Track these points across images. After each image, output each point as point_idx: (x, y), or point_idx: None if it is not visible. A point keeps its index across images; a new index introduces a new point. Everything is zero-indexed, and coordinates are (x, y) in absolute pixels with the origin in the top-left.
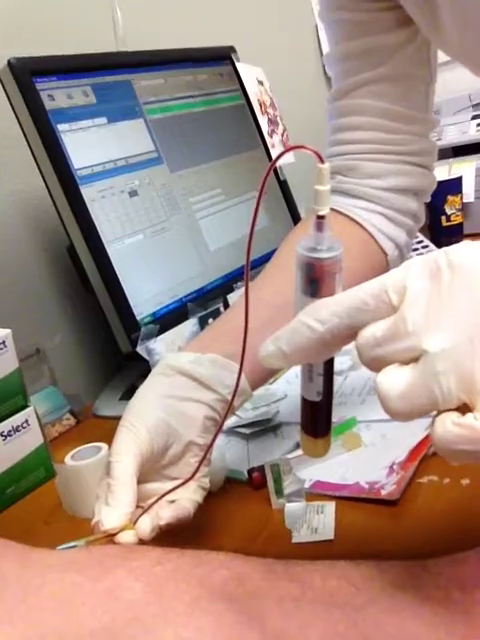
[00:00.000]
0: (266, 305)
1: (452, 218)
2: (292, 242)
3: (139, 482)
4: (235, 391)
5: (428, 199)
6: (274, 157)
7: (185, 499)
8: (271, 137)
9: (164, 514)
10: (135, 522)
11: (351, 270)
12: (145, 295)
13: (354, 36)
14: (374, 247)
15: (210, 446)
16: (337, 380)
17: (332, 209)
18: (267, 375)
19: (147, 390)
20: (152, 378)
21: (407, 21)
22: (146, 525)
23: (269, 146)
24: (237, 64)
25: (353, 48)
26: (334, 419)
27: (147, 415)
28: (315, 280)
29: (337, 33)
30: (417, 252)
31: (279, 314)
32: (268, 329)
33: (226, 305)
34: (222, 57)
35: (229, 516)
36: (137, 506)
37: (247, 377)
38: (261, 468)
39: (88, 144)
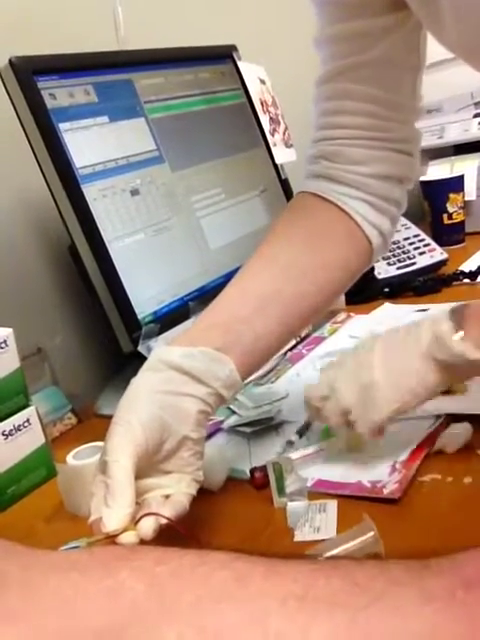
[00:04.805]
0: (253, 295)
1: (454, 216)
2: (278, 231)
3: (135, 478)
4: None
5: (411, 186)
6: (275, 156)
7: (180, 493)
8: (272, 136)
9: (162, 512)
10: (136, 523)
11: (339, 258)
12: (146, 294)
13: (344, 18)
14: (359, 235)
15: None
16: None
17: (319, 196)
18: (257, 365)
19: (140, 385)
20: (144, 373)
21: (399, 5)
22: (148, 526)
23: (270, 145)
24: (239, 63)
25: (342, 31)
26: None
27: (141, 411)
28: None
29: (327, 15)
30: (419, 251)
31: (266, 304)
32: (256, 319)
33: None
34: (224, 56)
35: (231, 515)
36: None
37: (237, 369)
38: (263, 467)
39: (89, 143)
